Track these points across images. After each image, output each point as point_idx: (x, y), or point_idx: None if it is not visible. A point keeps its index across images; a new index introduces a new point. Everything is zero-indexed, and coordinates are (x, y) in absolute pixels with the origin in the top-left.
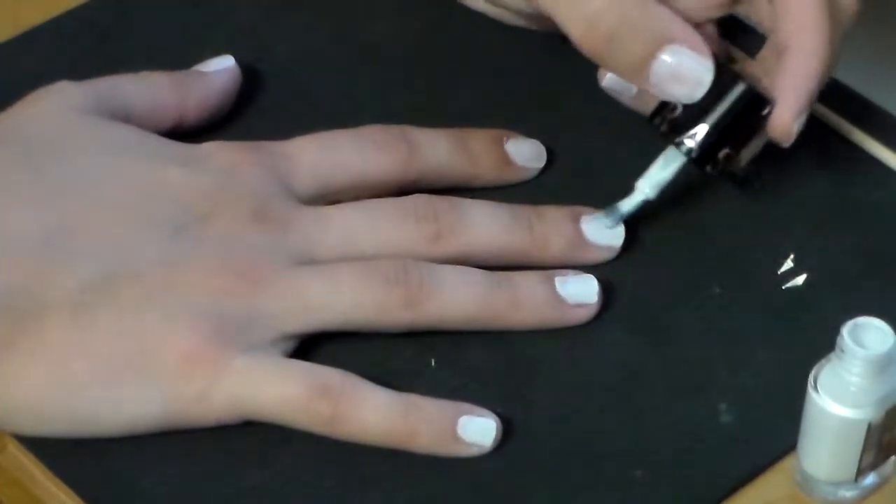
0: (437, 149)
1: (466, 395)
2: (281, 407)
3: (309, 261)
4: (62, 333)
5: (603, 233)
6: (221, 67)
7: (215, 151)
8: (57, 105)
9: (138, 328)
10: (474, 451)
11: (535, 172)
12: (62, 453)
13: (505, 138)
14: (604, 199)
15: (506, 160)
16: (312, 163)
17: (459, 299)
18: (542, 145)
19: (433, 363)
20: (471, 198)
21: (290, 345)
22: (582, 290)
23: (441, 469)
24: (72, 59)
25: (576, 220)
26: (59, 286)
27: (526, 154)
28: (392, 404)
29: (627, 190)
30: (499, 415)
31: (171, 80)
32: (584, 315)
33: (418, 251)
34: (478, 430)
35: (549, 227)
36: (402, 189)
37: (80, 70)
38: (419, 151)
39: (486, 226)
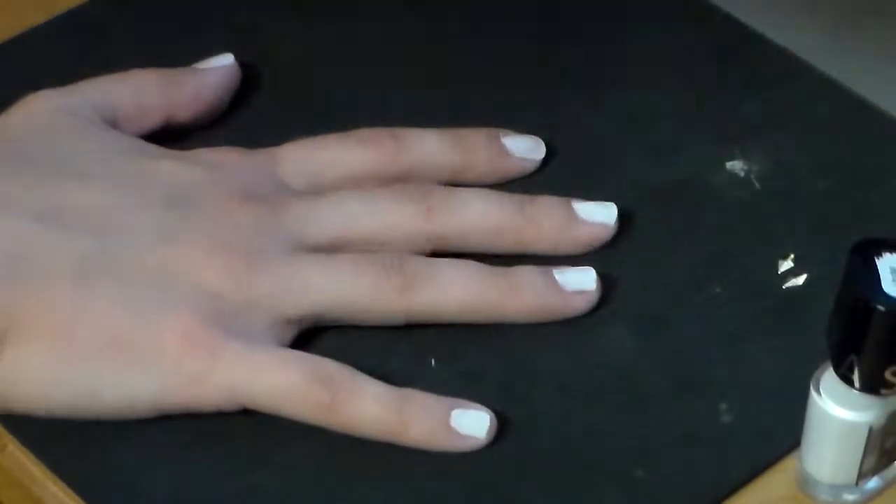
0: (426, 143)
1: (466, 395)
2: (278, 394)
3: (303, 243)
4: (62, 308)
5: (596, 211)
6: (218, 65)
7: (204, 152)
8: (42, 111)
9: (137, 303)
10: (469, 444)
11: (532, 166)
12: (62, 453)
13: (501, 134)
14: (602, 198)
15: (501, 152)
16: (299, 161)
17: (456, 286)
18: (539, 139)
19: (433, 363)
20: None
21: (287, 333)
22: (580, 278)
23: (441, 469)
24: (72, 59)
25: (568, 202)
26: (59, 258)
27: (522, 146)
28: (388, 396)
29: (626, 189)
30: (498, 414)
31: (159, 78)
32: (582, 303)
33: (411, 228)
34: (471, 422)
35: (542, 207)
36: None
37: (81, 70)
38: (407, 145)
39: (479, 203)
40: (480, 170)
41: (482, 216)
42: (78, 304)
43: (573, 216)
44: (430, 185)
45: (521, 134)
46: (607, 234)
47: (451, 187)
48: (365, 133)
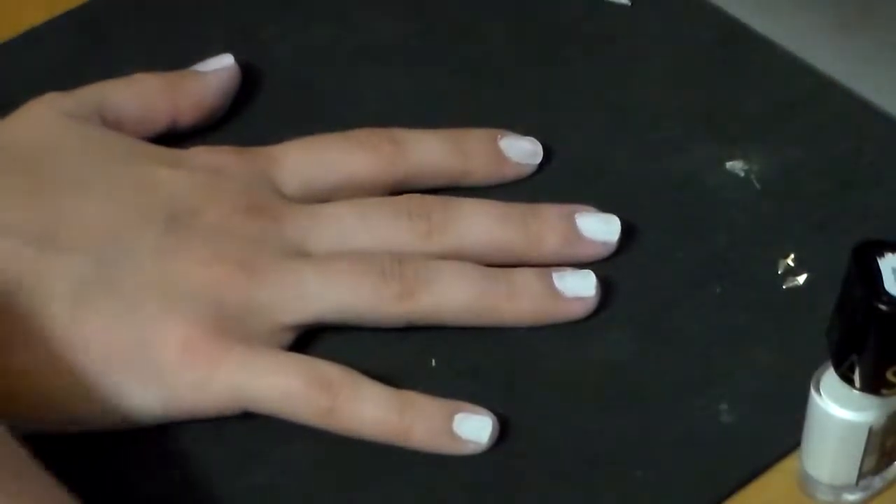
0: (425, 147)
1: (466, 395)
2: (280, 398)
3: (302, 254)
4: (62, 326)
5: (599, 228)
6: (219, 67)
7: (202, 154)
8: (47, 114)
9: (137, 319)
10: (470, 449)
11: (531, 169)
12: (62, 453)
13: (499, 136)
14: (602, 198)
15: (499, 156)
16: (297, 164)
17: (455, 291)
18: (537, 142)
19: (433, 363)
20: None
21: (287, 338)
22: (579, 284)
23: (441, 469)
24: (72, 59)
25: (571, 216)
26: (58, 279)
27: (521, 150)
28: (389, 399)
29: (626, 189)
30: (498, 415)
31: (163, 82)
32: (581, 309)
33: (410, 247)
34: (473, 427)
35: (544, 223)
36: (393, 190)
37: (80, 70)
38: (406, 150)
39: (479, 221)
40: (478, 175)
41: (483, 236)
42: (77, 323)
43: (576, 234)
44: (429, 200)
45: (519, 136)
46: (609, 251)
47: (451, 200)
48: (364, 136)
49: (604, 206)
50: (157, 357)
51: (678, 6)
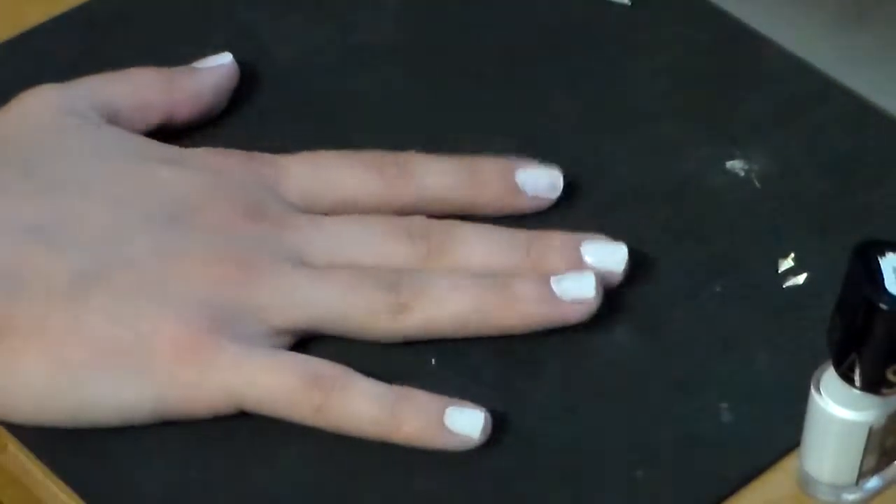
0: (434, 175)
1: (466, 395)
2: (273, 396)
3: (300, 262)
4: (57, 320)
5: (605, 257)
6: (216, 64)
7: (205, 155)
8: (40, 108)
9: (132, 315)
10: (462, 443)
11: (547, 203)
12: (62, 453)
13: (517, 167)
14: (603, 199)
15: (514, 190)
16: (300, 177)
17: (451, 304)
18: (559, 174)
19: (433, 363)
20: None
21: (283, 341)
22: (578, 287)
23: (441, 469)
24: (72, 59)
25: (577, 245)
26: (54, 274)
27: (538, 185)
28: (381, 393)
29: (626, 189)
30: (498, 414)
31: (158, 76)
32: (581, 312)
33: (407, 267)
34: (465, 421)
35: (549, 249)
36: (400, 213)
37: (81, 70)
38: (413, 176)
39: (481, 247)
40: (489, 207)
41: (484, 260)
42: (71, 317)
43: (581, 264)
44: (432, 223)
45: (539, 167)
46: (616, 280)
47: (454, 225)
48: (370, 157)
49: (603, 207)
50: (153, 355)
51: (678, 6)
